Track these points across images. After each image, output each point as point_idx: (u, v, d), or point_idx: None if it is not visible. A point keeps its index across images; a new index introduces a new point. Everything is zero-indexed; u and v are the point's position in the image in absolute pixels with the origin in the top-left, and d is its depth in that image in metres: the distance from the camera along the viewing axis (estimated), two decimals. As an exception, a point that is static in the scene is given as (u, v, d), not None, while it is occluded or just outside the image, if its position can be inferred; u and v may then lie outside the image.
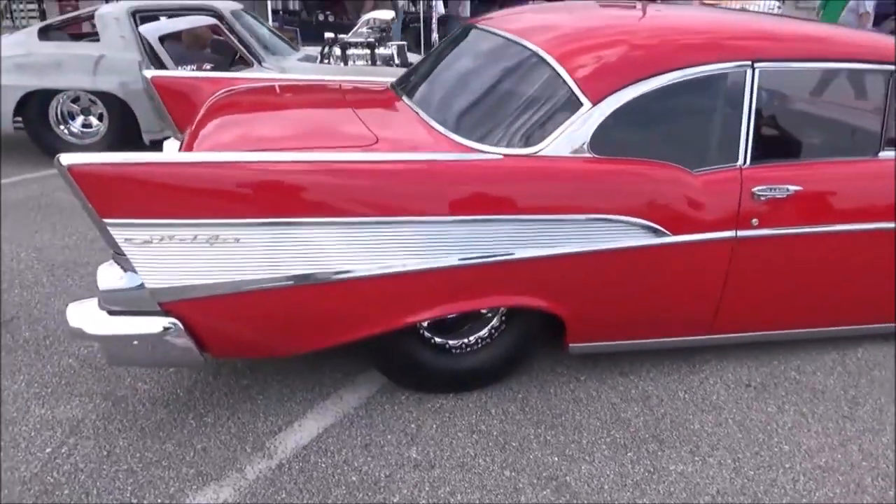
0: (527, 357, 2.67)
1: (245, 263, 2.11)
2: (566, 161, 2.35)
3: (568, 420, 2.49)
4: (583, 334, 2.57)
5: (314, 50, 6.13)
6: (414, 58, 6.19)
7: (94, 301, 2.19)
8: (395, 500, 2.10)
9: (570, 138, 2.35)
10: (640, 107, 2.40)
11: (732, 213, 2.49)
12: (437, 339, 2.54)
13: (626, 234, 2.38)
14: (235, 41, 5.11)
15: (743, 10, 7.79)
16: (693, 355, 2.88)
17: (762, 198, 2.50)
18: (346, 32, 9.31)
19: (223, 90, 3.32)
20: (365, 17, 6.07)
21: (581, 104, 2.36)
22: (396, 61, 6.06)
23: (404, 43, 6.30)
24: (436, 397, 2.58)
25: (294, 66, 5.36)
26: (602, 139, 2.36)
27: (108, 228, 2.01)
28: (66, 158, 1.93)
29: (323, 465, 2.23)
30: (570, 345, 2.58)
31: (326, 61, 5.78)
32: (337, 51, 5.89)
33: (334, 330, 2.32)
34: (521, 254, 2.31)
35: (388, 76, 5.29)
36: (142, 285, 2.10)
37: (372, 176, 2.17)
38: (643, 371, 2.79)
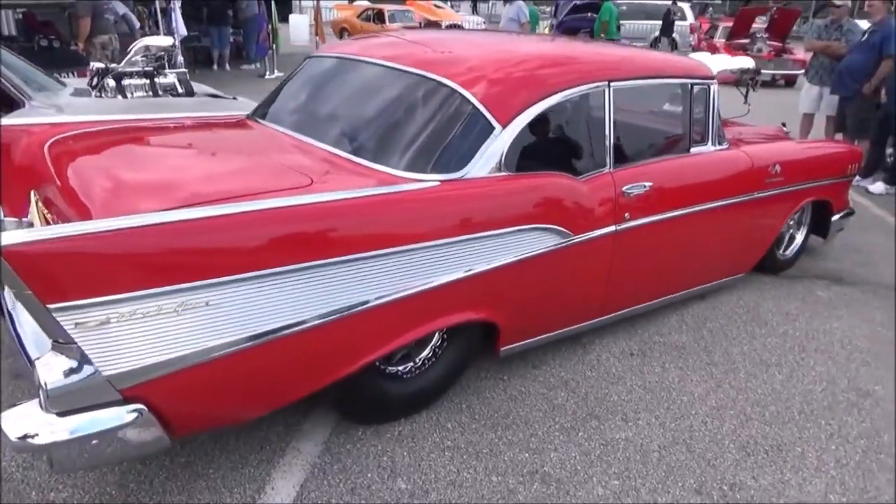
0: (466, 368, 2.80)
1: (216, 327, 1.93)
2: (490, 181, 2.54)
3: (515, 418, 2.69)
4: (512, 337, 2.78)
5: (81, 82, 5.43)
6: (199, 87, 5.83)
7: (33, 403, 1.82)
8: (410, 534, 2.11)
9: (488, 159, 2.55)
10: (535, 125, 2.70)
11: (611, 210, 2.91)
12: (390, 369, 2.56)
13: (543, 240, 2.65)
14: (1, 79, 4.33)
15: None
16: (580, 339, 3.27)
17: (630, 195, 2.96)
18: (75, 59, 8.33)
19: (51, 139, 2.87)
20: (140, 43, 5.53)
21: (493, 127, 2.57)
22: (180, 90, 5.64)
23: (185, 70, 5.88)
24: (390, 425, 2.59)
25: (71, 104, 4.70)
26: (511, 157, 2.60)
27: (54, 314, 1.70)
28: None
29: (320, 521, 2.13)
30: (502, 349, 2.78)
31: (99, 94, 5.17)
32: (111, 82, 5.30)
33: (303, 381, 2.23)
34: (462, 272, 2.44)
35: (187, 108, 4.97)
36: (95, 374, 1.80)
37: (335, 215, 2.14)
38: (550, 361, 3.10)
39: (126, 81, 5.41)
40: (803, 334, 3.50)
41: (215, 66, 13.24)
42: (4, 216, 2.91)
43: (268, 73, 12.92)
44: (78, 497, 2.18)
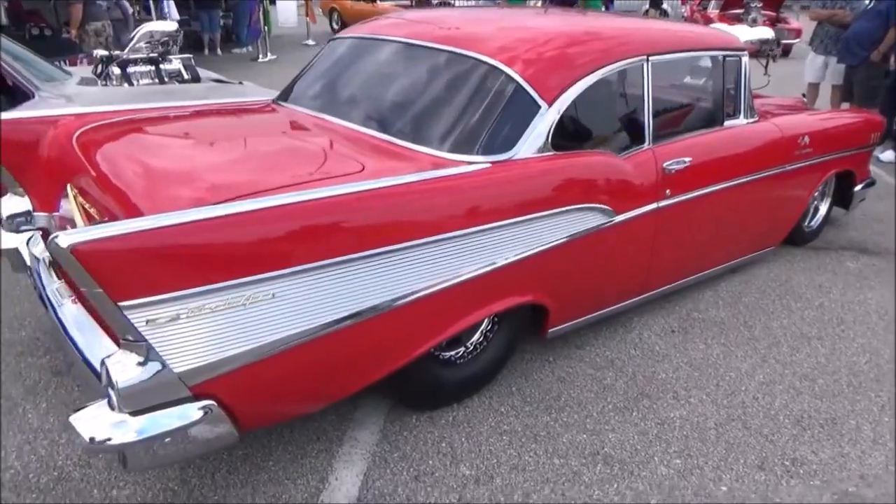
0: (514, 351, 2.78)
1: (281, 319, 1.89)
2: (539, 161, 2.50)
3: (567, 400, 2.67)
4: (560, 318, 2.76)
5: (86, 71, 5.31)
6: (204, 72, 5.71)
7: (102, 404, 1.77)
8: (481, 520, 2.09)
9: (535, 139, 2.51)
10: (578, 103, 2.64)
11: (653, 187, 2.87)
12: (443, 354, 2.53)
13: (589, 219, 2.61)
14: (9, 70, 4.21)
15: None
16: (620, 318, 3.24)
17: (670, 171, 2.92)
18: (68, 46, 8.16)
19: (78, 130, 2.78)
20: (143, 29, 5.41)
21: (539, 106, 2.51)
22: (186, 76, 5.54)
23: (189, 56, 5.75)
24: (444, 411, 2.56)
25: (80, 93, 4.59)
26: (556, 136, 2.55)
27: (126, 312, 1.65)
28: (66, 238, 1.54)
29: (388, 511, 2.11)
30: (550, 330, 2.75)
31: (104, 83, 5.07)
32: (116, 70, 5.19)
33: (366, 370, 2.19)
34: (515, 256, 2.40)
35: (198, 95, 4.86)
36: (166, 371, 1.75)
37: (395, 201, 2.09)
38: (593, 341, 3.08)
39: (131, 69, 5.32)
40: (839, 306, 3.50)
41: (206, 51, 13.01)
42: (34, 211, 2.84)
43: (261, 56, 12.73)
44: (141, 494, 2.14)
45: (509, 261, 2.38)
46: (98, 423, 1.74)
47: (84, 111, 3.03)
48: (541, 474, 2.27)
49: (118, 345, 1.79)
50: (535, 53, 2.62)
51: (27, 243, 2.80)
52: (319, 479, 2.22)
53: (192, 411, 1.81)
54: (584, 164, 2.63)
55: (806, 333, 3.21)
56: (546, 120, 2.52)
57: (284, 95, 3.23)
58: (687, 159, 2.99)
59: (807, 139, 3.71)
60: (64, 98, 4.37)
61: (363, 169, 2.24)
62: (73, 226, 2.42)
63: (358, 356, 2.14)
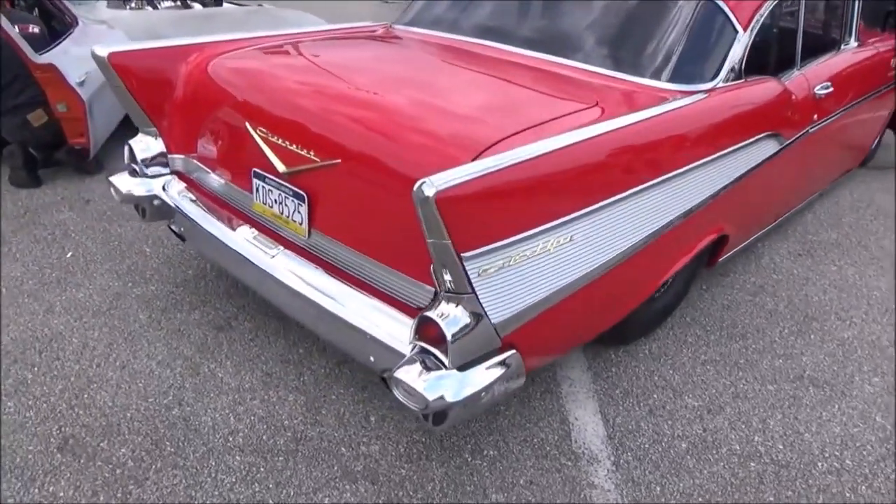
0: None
1: (577, 260, 1.82)
2: (743, 88, 2.45)
3: (745, 327, 2.72)
4: (731, 246, 2.77)
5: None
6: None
7: (413, 364, 1.66)
8: (734, 437, 2.13)
9: (731, 66, 2.44)
10: (761, 28, 2.58)
11: (808, 111, 2.88)
12: (647, 289, 2.52)
13: (768, 146, 2.61)
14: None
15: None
16: (748, 245, 3.30)
17: (820, 96, 2.93)
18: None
19: (216, 58, 2.51)
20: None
21: (737, 31, 2.44)
22: (208, 0, 5.09)
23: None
24: (636, 346, 2.57)
25: (117, 18, 4.15)
26: (748, 63, 2.50)
27: (465, 264, 1.54)
28: (431, 186, 1.40)
29: (640, 446, 2.11)
30: (718, 260, 2.77)
31: (133, 5, 4.60)
32: (139, -7, 4.71)
33: (628, 301, 2.23)
34: (724, 184, 2.38)
35: (238, 19, 4.48)
36: (487, 323, 1.65)
37: (655, 134, 2.02)
38: (732, 269, 3.13)
39: (155, -8, 4.83)
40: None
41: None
42: (169, 153, 2.58)
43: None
44: (391, 447, 2.07)
45: (717, 190, 2.35)
46: (428, 381, 1.63)
47: (199, 41, 2.68)
48: (764, 400, 2.33)
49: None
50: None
51: (163, 188, 2.56)
52: (560, 420, 2.20)
53: (503, 362, 1.74)
54: (770, 91, 2.59)
55: (920, 250, 3.38)
56: (741, 45, 2.46)
57: (412, 19, 2.99)
58: (828, 84, 2.99)
59: (895, 61, 3.79)
60: (105, 24, 3.95)
61: (597, 104, 2.12)
62: (250, 167, 2.19)
63: (624, 288, 2.15)
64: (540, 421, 2.20)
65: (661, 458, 2.07)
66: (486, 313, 1.63)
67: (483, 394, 1.70)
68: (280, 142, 2.11)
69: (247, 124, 2.23)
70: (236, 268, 2.32)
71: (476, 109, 2.05)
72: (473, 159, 1.68)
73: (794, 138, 2.79)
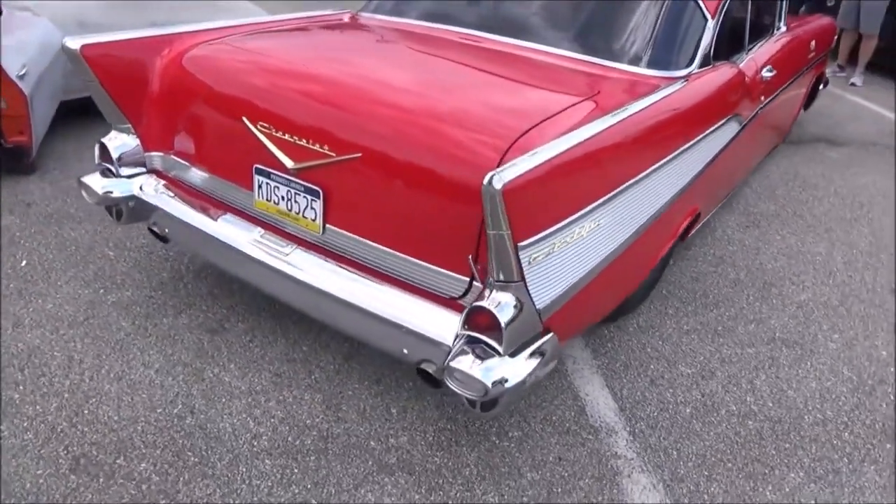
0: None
1: (605, 239, 1.93)
2: (714, 74, 2.62)
3: (716, 296, 2.93)
4: (699, 221, 2.96)
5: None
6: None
7: (469, 356, 1.69)
8: (729, 399, 2.30)
9: (704, 52, 2.60)
10: (724, 15, 2.75)
11: (758, 94, 3.11)
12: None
13: (733, 127, 2.81)
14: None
15: None
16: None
17: (765, 78, 3.16)
18: None
19: (195, 48, 2.40)
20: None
21: (706, 19, 2.60)
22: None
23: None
24: (624, 320, 2.70)
25: (39, 4, 3.84)
26: (714, 49, 2.67)
27: (520, 253, 1.59)
28: (500, 180, 1.43)
29: (649, 415, 2.25)
30: (689, 235, 2.96)
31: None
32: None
33: (634, 277, 2.39)
34: (702, 166, 2.55)
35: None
36: (532, 309, 1.71)
37: (658, 118, 2.13)
38: (696, 243, 3.33)
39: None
40: (850, 192, 4.06)
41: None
42: (145, 150, 2.45)
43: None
44: (419, 437, 2.09)
45: (699, 170, 2.52)
46: (485, 368, 1.66)
47: (176, 31, 2.54)
48: (747, 363, 2.53)
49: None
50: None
51: (140, 188, 2.44)
52: (573, 397, 2.30)
53: (543, 346, 1.80)
54: (734, 75, 2.77)
55: (845, 217, 3.73)
56: (710, 32, 2.62)
57: (379, 7, 2.96)
58: (771, 67, 3.23)
59: (814, 43, 4.13)
60: (29, 11, 3.67)
61: (599, 92, 2.20)
62: (251, 162, 2.12)
63: (631, 269, 2.30)
64: (554, 399, 2.28)
65: (671, 424, 2.22)
66: (532, 300, 1.69)
67: (528, 378, 1.76)
68: (287, 137, 2.05)
69: (244, 119, 2.15)
70: (239, 268, 2.25)
71: (490, 99, 2.08)
72: (507, 150, 1.73)
73: (749, 119, 3.01)
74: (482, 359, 1.68)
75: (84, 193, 2.44)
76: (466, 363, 1.67)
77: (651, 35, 2.48)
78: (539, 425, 2.17)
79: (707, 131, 2.49)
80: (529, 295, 1.68)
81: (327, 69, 2.23)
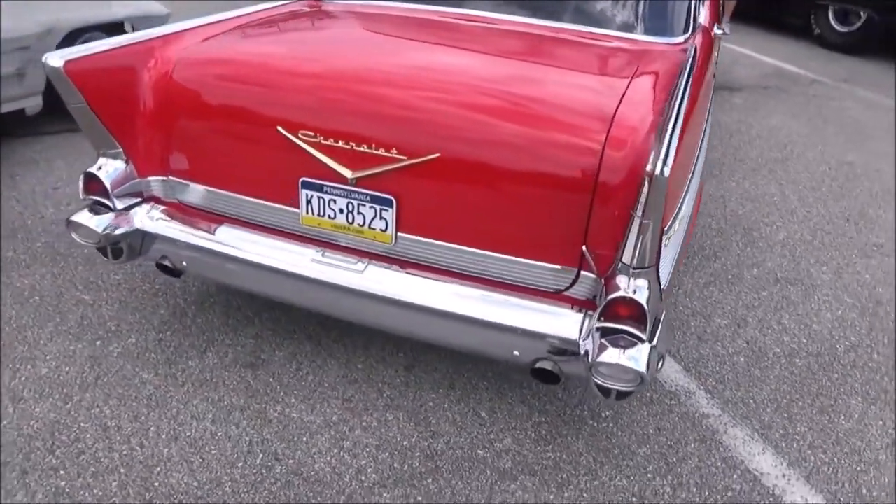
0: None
1: (688, 205, 1.97)
2: (700, 36, 2.70)
3: (711, 248, 3.09)
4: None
5: None
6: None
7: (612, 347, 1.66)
8: (770, 342, 2.46)
9: (694, 21, 2.69)
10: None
11: (714, 51, 3.28)
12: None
13: (712, 84, 2.95)
14: None
15: None
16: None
17: (717, 35, 3.34)
18: None
19: (190, 53, 2.13)
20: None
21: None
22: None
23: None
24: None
25: None
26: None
27: (663, 238, 1.59)
28: (665, 167, 1.41)
29: (713, 371, 2.34)
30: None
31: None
32: None
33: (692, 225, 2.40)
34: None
35: None
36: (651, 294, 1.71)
37: (706, 80, 2.19)
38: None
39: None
40: (769, 133, 4.43)
41: None
42: (141, 176, 2.15)
43: None
44: (522, 436, 2.03)
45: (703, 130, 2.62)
46: (638, 357, 1.64)
47: (162, 34, 2.20)
48: (768, 306, 2.71)
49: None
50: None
51: (149, 219, 2.15)
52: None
53: (662, 325, 1.80)
54: (709, 37, 2.89)
55: (776, 157, 4.08)
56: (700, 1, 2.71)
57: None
58: (720, 26, 3.42)
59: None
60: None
61: (638, 69, 2.20)
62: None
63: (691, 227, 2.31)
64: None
65: (735, 376, 2.32)
66: (659, 282, 1.68)
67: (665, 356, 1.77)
68: (340, 145, 1.87)
69: (280, 130, 1.93)
70: (297, 294, 2.04)
71: (556, 83, 2.02)
72: (608, 132, 1.69)
73: (713, 74, 3.17)
74: (625, 348, 1.65)
75: (75, 236, 2.09)
76: (614, 356, 1.64)
77: (667, 8, 2.54)
78: (623, 400, 2.19)
79: (711, 88, 2.58)
80: (658, 277, 1.67)
81: (370, 65, 2.04)
